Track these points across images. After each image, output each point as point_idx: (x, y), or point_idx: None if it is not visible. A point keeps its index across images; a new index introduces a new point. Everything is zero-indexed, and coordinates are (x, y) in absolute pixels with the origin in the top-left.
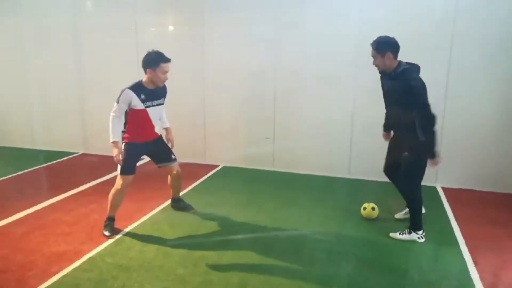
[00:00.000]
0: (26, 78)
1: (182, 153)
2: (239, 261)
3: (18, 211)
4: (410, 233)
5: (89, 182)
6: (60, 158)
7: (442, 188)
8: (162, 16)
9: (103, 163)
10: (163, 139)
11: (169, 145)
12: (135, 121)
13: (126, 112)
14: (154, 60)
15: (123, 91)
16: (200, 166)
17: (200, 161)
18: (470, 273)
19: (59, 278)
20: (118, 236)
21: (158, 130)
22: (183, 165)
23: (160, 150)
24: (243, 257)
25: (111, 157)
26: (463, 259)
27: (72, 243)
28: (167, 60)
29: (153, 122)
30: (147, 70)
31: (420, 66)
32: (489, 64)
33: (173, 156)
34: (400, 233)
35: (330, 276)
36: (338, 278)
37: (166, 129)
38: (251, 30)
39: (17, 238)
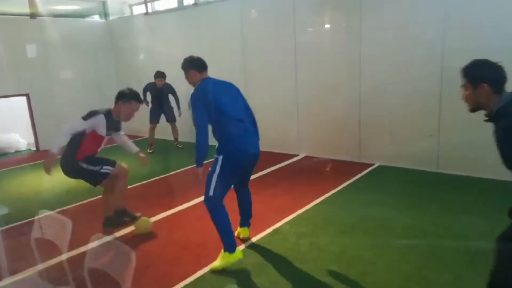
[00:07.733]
0: None
1: (335, 149)
2: (397, 267)
3: (193, 198)
4: None
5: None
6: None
7: None
8: (319, 15)
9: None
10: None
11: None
12: None
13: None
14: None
15: None
16: (353, 164)
17: (354, 159)
18: None
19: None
20: (275, 227)
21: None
22: (336, 162)
23: None
24: (402, 263)
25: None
26: None
27: (237, 228)
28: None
29: None
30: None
31: None
32: None
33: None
34: None
35: None
36: None
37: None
38: (413, 23)
39: (192, 221)
